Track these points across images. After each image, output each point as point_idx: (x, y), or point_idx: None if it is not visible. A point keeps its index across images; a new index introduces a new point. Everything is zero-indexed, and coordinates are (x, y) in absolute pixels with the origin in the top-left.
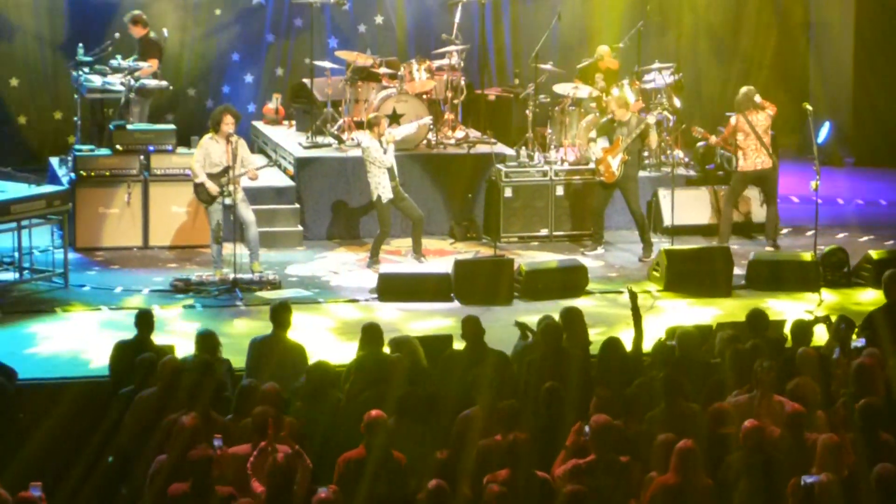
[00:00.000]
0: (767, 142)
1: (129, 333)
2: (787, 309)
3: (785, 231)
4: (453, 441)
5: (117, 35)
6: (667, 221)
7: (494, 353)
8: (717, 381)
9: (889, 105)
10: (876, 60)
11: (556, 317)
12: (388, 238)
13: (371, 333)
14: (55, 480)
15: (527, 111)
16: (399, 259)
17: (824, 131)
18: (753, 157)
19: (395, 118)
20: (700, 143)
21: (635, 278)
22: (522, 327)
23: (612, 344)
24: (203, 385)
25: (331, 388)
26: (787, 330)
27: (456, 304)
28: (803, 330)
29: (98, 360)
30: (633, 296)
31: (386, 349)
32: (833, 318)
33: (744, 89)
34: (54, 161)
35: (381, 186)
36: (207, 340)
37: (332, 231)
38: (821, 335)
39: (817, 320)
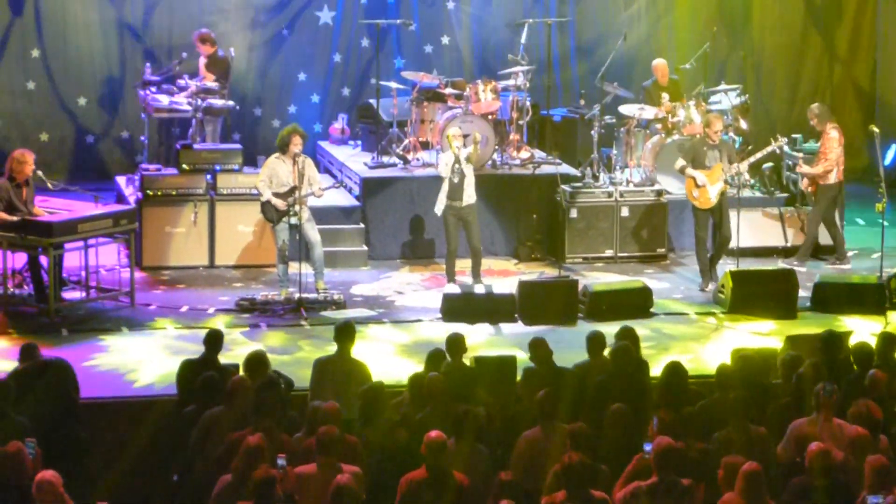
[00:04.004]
0: None
1: (195, 353)
2: (852, 332)
3: (851, 253)
4: (514, 461)
5: (184, 55)
6: (732, 243)
7: (568, 373)
8: (784, 404)
9: None
10: None
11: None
12: (455, 254)
13: (455, 345)
14: (122, 499)
15: (592, 132)
16: (460, 280)
17: (891, 153)
18: (839, 168)
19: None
20: (766, 165)
21: (699, 301)
22: None
23: (675, 368)
24: (272, 404)
25: (385, 409)
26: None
27: (520, 324)
28: (866, 353)
29: (163, 379)
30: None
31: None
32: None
33: (819, 104)
34: (121, 180)
35: (437, 201)
36: (256, 362)
37: (397, 251)
38: None
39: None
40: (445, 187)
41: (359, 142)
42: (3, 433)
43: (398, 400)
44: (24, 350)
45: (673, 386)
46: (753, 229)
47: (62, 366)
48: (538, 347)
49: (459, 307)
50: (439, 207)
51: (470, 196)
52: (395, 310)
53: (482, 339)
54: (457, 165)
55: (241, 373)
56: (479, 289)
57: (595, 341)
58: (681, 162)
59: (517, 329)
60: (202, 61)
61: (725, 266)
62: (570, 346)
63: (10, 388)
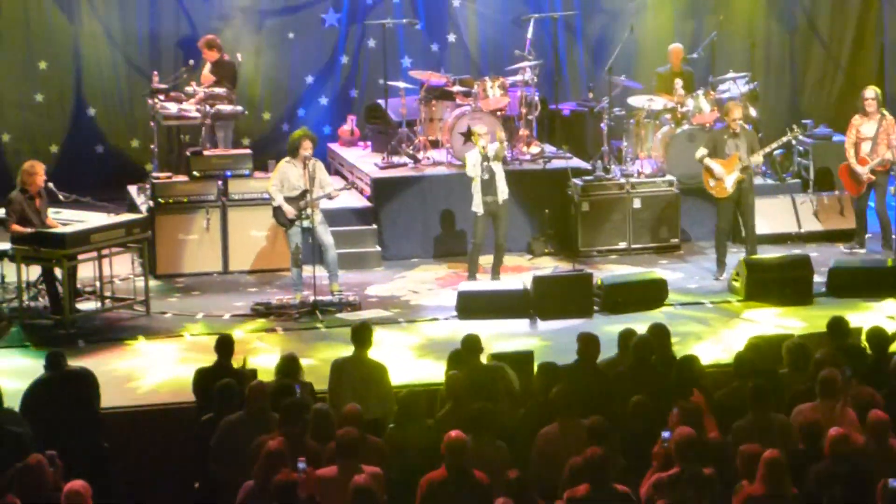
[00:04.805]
0: None
1: (211, 359)
2: (868, 316)
3: (867, 236)
4: (533, 458)
5: (192, 62)
6: (744, 231)
7: (594, 370)
8: (802, 391)
9: None
10: None
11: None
12: (480, 251)
13: (472, 345)
14: None
15: (602, 125)
16: (479, 276)
17: None
18: None
19: (469, 136)
20: (778, 152)
21: (715, 290)
22: None
23: (688, 361)
24: (297, 410)
25: (421, 413)
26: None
27: (536, 320)
28: (881, 337)
29: (181, 386)
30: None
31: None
32: None
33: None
34: (132, 189)
35: (473, 199)
36: (289, 364)
37: (411, 250)
38: None
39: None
40: (478, 185)
41: (368, 143)
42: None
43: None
44: (49, 358)
45: (683, 380)
46: (766, 216)
47: (86, 375)
48: (589, 344)
49: (474, 304)
50: (477, 205)
51: (503, 192)
52: (410, 309)
53: (498, 337)
54: (485, 163)
55: (274, 375)
56: (494, 285)
57: (625, 337)
58: (702, 151)
59: (533, 325)
60: (207, 67)
61: (738, 254)
62: None
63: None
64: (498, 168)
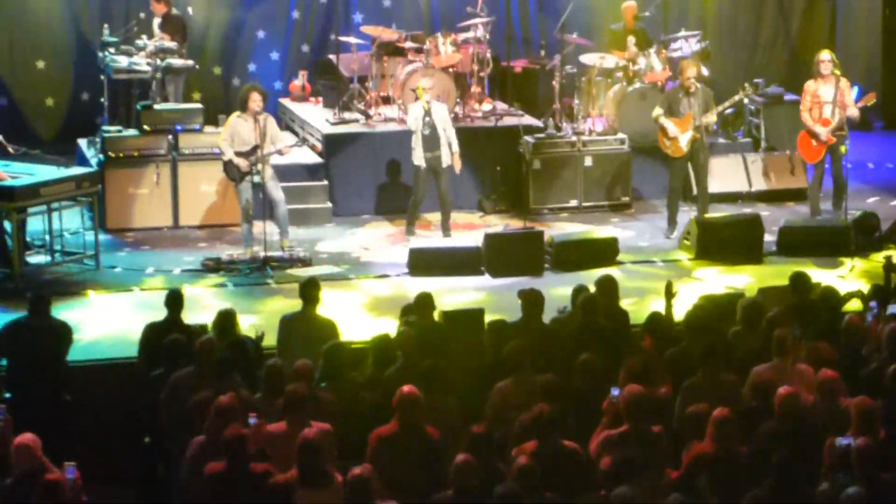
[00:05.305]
0: None
1: (161, 314)
2: (818, 275)
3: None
4: (487, 414)
5: (142, 15)
6: (696, 190)
7: (543, 327)
8: (753, 350)
9: None
10: None
11: (591, 287)
12: (420, 205)
13: (424, 302)
14: (93, 461)
15: (553, 82)
16: (427, 233)
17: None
18: None
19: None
20: (729, 111)
21: (666, 248)
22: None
23: (656, 318)
24: (239, 364)
25: (347, 368)
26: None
27: (487, 277)
28: (833, 297)
29: (131, 341)
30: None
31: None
32: (864, 292)
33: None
34: (82, 143)
35: (414, 152)
36: (225, 319)
37: (362, 207)
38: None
39: (851, 295)
40: (419, 139)
41: (320, 98)
42: None
43: (359, 369)
44: (33, 303)
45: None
46: (717, 175)
47: (64, 328)
48: (532, 300)
49: (425, 261)
50: (419, 158)
51: (446, 157)
52: (361, 266)
53: (449, 293)
54: (427, 118)
55: (210, 332)
56: (445, 242)
57: (577, 293)
58: (658, 110)
59: (484, 282)
60: (157, 21)
61: (690, 213)
62: None
63: None
64: (440, 131)
